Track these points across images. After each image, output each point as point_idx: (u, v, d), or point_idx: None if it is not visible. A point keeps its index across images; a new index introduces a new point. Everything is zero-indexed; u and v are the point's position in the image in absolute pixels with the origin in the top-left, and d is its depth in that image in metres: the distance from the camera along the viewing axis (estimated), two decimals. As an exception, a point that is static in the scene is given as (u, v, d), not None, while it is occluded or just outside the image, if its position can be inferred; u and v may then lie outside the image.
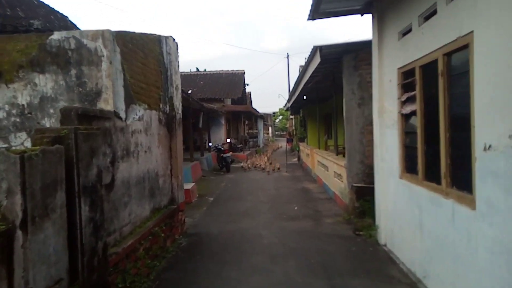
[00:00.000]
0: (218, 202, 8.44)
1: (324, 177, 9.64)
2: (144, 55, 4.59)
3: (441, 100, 3.24)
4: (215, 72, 23.97)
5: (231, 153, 15.63)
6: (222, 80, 22.89)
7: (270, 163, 16.45)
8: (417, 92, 3.81)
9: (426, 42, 3.53)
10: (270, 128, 55.29)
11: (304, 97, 12.86)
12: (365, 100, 6.44)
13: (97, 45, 3.58)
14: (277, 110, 62.68)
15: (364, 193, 6.45)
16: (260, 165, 16.23)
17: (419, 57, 3.70)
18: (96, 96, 3.58)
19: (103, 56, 3.58)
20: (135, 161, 4.15)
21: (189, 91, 20.89)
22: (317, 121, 12.77)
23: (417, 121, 3.84)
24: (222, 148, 15.43)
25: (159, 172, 4.95)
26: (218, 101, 20.35)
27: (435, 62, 3.34)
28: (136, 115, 4.22)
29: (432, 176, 3.54)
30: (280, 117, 64.51)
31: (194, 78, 23.28)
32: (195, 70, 26.08)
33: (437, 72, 3.29)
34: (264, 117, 36.12)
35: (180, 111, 5.97)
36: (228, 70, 24.08)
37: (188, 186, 8.70)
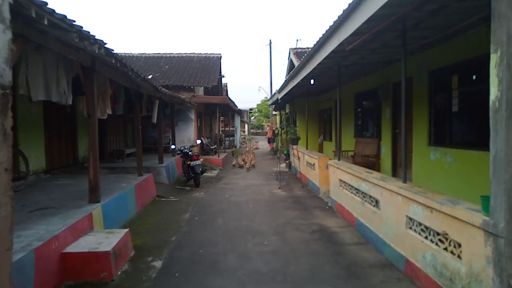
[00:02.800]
0: (168, 279, 4.13)
1: (365, 218, 5.55)
2: None
3: None
4: (184, 55, 19.40)
5: (202, 159, 11.30)
6: (193, 64, 18.40)
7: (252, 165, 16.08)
8: None
9: None
10: (246, 126, 51.11)
11: (312, 82, 8.75)
12: None
13: None
14: (254, 106, 58.67)
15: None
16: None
17: None
18: None
19: None
20: None
21: (149, 76, 16.31)
22: (336, 116, 8.69)
23: None
24: (190, 153, 11.08)
25: None
26: (187, 90, 15.94)
27: None
28: None
29: None
30: (257, 113, 60.43)
31: (157, 61, 18.63)
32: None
33: None
34: (241, 113, 31.81)
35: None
36: (200, 53, 19.59)
37: (113, 239, 4.34)
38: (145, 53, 19.35)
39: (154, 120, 9.21)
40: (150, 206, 7.76)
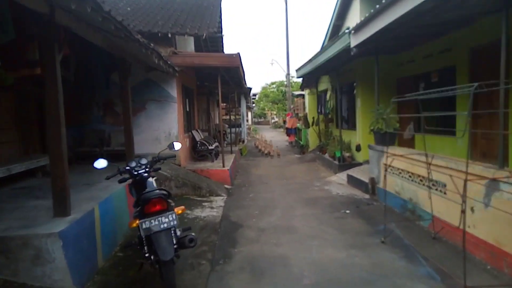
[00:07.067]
0: None
1: None
2: None
3: None
4: (160, -8, 11.73)
5: (182, 208, 3.82)
6: (175, 6, 10.77)
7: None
8: None
9: None
10: (249, 113, 43.50)
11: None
12: None
13: None
14: (257, 90, 50.91)
15: None
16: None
17: None
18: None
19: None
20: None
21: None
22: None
23: None
24: (147, 182, 3.65)
25: None
26: (163, 43, 8.33)
27: None
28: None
29: None
30: (259, 99, 52.40)
31: (113, 2, 10.98)
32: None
33: None
34: (248, 94, 24.17)
35: None
36: (188, -9, 11.90)
37: None
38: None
39: None
40: None
